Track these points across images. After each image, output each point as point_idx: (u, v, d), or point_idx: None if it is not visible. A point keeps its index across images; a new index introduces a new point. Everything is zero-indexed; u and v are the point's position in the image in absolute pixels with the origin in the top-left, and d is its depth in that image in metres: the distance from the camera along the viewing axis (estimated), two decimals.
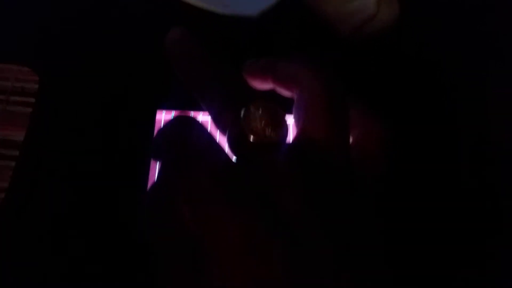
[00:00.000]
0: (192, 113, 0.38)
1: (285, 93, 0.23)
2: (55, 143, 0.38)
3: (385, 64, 0.42)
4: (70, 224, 0.35)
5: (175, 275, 0.18)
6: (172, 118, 0.22)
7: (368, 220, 0.20)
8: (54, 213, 0.36)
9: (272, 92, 0.24)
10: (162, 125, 0.21)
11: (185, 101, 0.38)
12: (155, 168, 0.36)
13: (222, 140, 0.21)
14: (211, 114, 0.22)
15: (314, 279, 0.17)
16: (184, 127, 0.21)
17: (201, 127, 0.21)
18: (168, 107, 0.37)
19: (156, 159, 0.23)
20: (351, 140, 0.22)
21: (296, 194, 0.19)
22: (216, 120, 0.22)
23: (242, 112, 0.21)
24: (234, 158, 0.21)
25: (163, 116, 0.38)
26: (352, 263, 0.18)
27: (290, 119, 0.21)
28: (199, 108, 0.37)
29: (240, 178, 0.19)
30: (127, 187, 0.35)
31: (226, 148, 0.21)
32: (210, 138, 0.21)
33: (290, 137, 0.22)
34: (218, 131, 0.22)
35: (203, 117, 0.37)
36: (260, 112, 0.21)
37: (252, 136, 0.20)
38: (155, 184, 0.20)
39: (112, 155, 0.37)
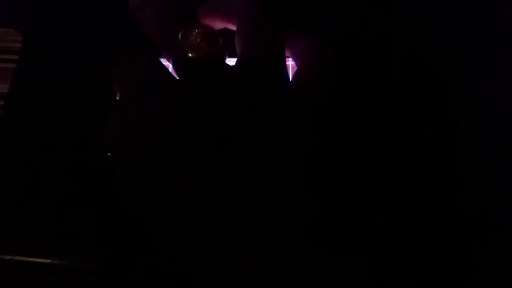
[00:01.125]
0: None
1: (229, 26, 0.26)
2: (38, 94, 0.41)
3: None
4: (54, 180, 0.37)
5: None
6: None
7: (300, 136, 0.21)
8: (36, 159, 0.38)
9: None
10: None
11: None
12: None
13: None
14: (160, 47, 0.26)
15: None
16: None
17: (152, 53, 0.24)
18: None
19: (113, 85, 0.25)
20: (296, 67, 0.24)
21: (229, 96, 0.20)
22: (164, 50, 0.25)
23: (181, 33, 0.24)
24: None
25: None
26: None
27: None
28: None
29: (177, 82, 0.22)
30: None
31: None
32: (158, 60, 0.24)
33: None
34: (164, 55, 0.25)
35: None
36: (196, 31, 0.23)
37: (190, 53, 0.23)
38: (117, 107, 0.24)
39: (96, 108, 0.40)
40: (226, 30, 0.27)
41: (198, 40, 0.23)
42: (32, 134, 0.39)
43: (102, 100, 0.38)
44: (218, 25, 0.26)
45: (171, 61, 0.25)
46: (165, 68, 0.23)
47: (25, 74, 0.42)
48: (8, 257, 0.33)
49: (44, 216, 0.35)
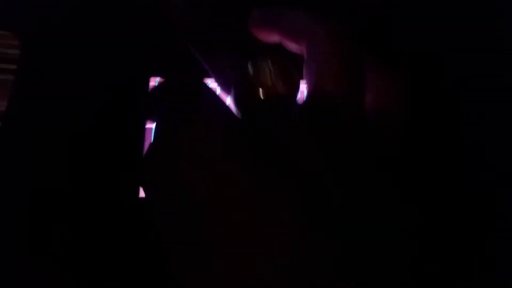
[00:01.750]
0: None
1: (293, 47, 0.22)
2: (40, 113, 0.35)
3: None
4: (60, 200, 0.33)
5: (178, 242, 0.16)
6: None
7: (384, 180, 0.18)
8: (42, 188, 0.33)
9: (278, 47, 0.22)
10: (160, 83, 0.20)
11: (180, 68, 0.35)
12: (151, 135, 0.34)
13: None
14: (213, 70, 0.21)
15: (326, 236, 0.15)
16: (186, 82, 0.19)
17: (204, 84, 0.19)
18: (162, 74, 0.35)
19: (150, 117, 0.21)
20: (367, 97, 0.21)
21: (309, 146, 0.17)
22: (219, 77, 0.21)
23: (250, 66, 0.20)
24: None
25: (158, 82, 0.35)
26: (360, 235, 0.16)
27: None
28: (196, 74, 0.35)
29: (249, 132, 0.17)
30: (123, 154, 0.33)
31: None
32: (214, 93, 0.19)
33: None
34: (221, 88, 0.21)
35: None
36: (270, 65, 0.20)
37: (262, 92, 0.19)
38: (153, 142, 0.18)
39: (103, 123, 0.34)
40: None
41: (273, 77, 0.20)
42: (35, 163, 0.34)
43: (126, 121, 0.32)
44: (272, 39, 0.23)
45: (231, 94, 0.21)
46: (226, 106, 0.19)
47: (25, 88, 0.36)
48: None
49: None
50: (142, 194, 0.32)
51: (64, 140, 0.34)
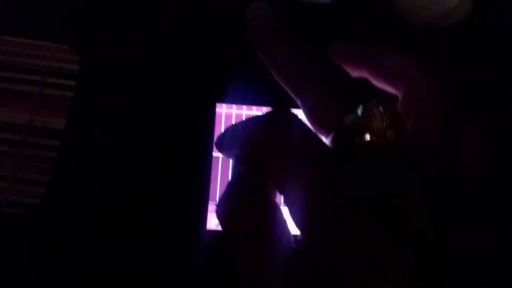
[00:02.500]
0: (254, 108, 0.35)
1: (384, 86, 0.21)
2: (99, 132, 0.34)
3: (459, 65, 0.39)
4: (114, 226, 0.32)
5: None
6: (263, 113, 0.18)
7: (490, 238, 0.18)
8: (98, 211, 0.32)
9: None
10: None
11: (246, 95, 0.34)
12: (218, 166, 0.33)
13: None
14: (306, 109, 0.19)
15: None
16: (277, 119, 0.18)
17: (299, 120, 0.18)
18: (229, 101, 0.34)
19: (226, 154, 0.19)
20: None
21: (420, 208, 0.16)
22: (314, 116, 0.19)
23: (360, 109, 0.18)
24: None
25: (224, 110, 0.34)
26: None
27: None
28: (261, 103, 0.34)
29: (356, 178, 0.16)
30: (186, 189, 0.32)
31: None
32: (312, 132, 0.18)
33: None
34: (315, 129, 0.19)
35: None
36: (380, 110, 0.18)
37: (369, 136, 0.18)
38: (232, 186, 0.17)
39: (166, 149, 0.33)
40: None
41: (385, 123, 0.18)
42: (94, 188, 0.33)
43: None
44: (355, 74, 0.21)
45: (330, 139, 0.19)
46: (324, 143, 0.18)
47: (84, 105, 0.35)
48: None
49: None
50: (209, 226, 0.32)
51: (124, 164, 0.33)
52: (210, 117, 0.33)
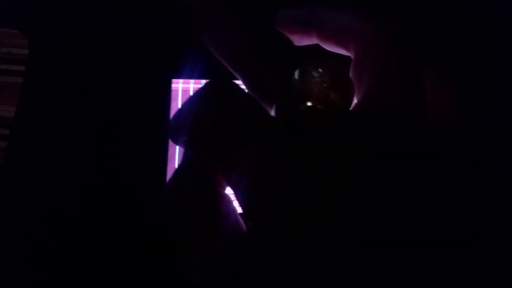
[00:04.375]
0: None
1: (336, 49, 0.20)
2: (52, 119, 0.32)
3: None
4: (73, 217, 0.30)
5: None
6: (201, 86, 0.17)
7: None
8: (52, 202, 0.30)
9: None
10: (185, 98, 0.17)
11: (205, 70, 0.32)
12: (175, 147, 0.30)
13: None
14: (247, 81, 0.18)
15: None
16: (217, 86, 0.17)
17: (238, 90, 0.17)
18: (186, 76, 0.32)
19: (176, 141, 0.18)
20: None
21: (370, 169, 0.16)
22: (256, 88, 0.18)
23: (297, 74, 0.17)
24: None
25: (180, 87, 0.32)
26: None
27: None
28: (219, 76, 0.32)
29: (295, 145, 0.16)
30: (143, 170, 0.30)
31: None
32: (253, 98, 0.17)
33: None
34: (259, 100, 0.18)
35: None
36: (320, 72, 0.17)
37: (311, 102, 0.17)
38: (176, 177, 0.17)
39: (121, 133, 0.31)
40: None
41: (325, 86, 0.17)
42: (44, 175, 0.30)
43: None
44: (305, 41, 0.20)
45: (273, 110, 0.18)
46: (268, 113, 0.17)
47: (34, 91, 0.33)
48: None
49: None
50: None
51: (78, 152, 0.31)
52: (167, 94, 0.31)
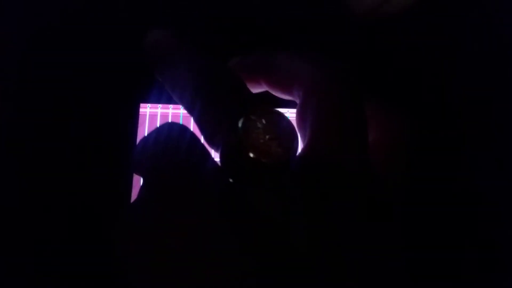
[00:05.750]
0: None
1: (284, 95, 0.19)
2: (19, 134, 0.32)
3: (399, 52, 0.37)
4: (34, 232, 0.30)
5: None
6: (157, 126, 0.18)
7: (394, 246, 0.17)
8: (16, 217, 0.30)
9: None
10: (146, 132, 0.17)
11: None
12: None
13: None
14: (200, 127, 0.18)
15: None
16: (171, 140, 0.17)
17: (193, 138, 0.17)
18: (153, 101, 0.32)
19: (138, 174, 0.19)
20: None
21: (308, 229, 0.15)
22: (206, 134, 0.18)
23: (240, 123, 0.17)
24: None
25: (148, 111, 0.32)
26: None
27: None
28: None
29: (244, 208, 0.16)
30: (106, 194, 0.30)
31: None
32: (205, 154, 0.17)
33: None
34: (206, 142, 0.18)
35: None
36: (263, 122, 0.17)
37: (252, 153, 0.16)
38: (135, 206, 0.17)
39: (88, 152, 0.31)
40: None
41: (267, 137, 0.17)
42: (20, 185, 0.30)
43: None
44: (258, 89, 0.20)
45: (219, 154, 0.18)
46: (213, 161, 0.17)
47: (4, 99, 0.33)
48: None
49: None
50: None
51: (45, 169, 0.31)
52: (134, 118, 0.31)
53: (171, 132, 0.17)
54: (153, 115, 0.32)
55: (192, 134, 0.17)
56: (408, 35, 0.36)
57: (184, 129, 0.18)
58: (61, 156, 0.31)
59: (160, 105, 0.32)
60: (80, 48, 0.33)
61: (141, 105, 0.32)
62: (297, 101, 0.18)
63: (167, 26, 0.20)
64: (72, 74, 0.32)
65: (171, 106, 0.32)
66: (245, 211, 0.15)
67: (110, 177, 0.30)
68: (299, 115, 0.18)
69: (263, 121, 0.17)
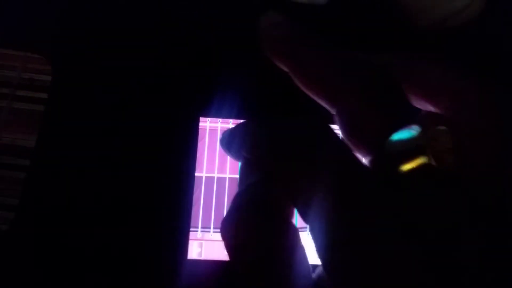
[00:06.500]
0: None
1: (423, 104, 0.18)
2: (73, 150, 0.31)
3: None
4: (89, 252, 0.29)
5: None
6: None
7: None
8: (71, 236, 0.30)
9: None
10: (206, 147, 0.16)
11: (231, 109, 0.31)
12: (201, 187, 0.30)
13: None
14: (344, 123, 0.16)
15: None
16: (305, 125, 0.15)
17: (335, 133, 0.15)
18: (213, 115, 0.31)
19: (233, 155, 0.17)
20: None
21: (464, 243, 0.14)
22: (354, 132, 0.16)
23: (412, 130, 0.15)
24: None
25: (208, 125, 0.31)
26: None
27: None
28: (246, 117, 0.31)
29: (397, 211, 0.14)
30: (166, 213, 0.29)
31: None
32: (349, 149, 0.15)
33: None
34: (352, 146, 0.16)
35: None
36: (432, 133, 0.17)
37: (417, 163, 0.16)
38: (241, 200, 0.15)
39: (147, 169, 0.30)
40: None
41: (447, 147, 0.18)
42: (68, 211, 0.30)
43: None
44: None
45: (371, 155, 0.16)
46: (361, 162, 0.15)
47: (56, 120, 0.32)
48: None
49: None
50: (191, 255, 0.28)
51: (100, 186, 0.30)
52: (194, 133, 0.30)
53: (309, 126, 0.15)
54: (213, 129, 0.31)
55: (335, 133, 0.15)
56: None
57: (326, 125, 0.15)
58: (119, 165, 0.30)
59: (220, 120, 0.31)
60: (142, 61, 0.32)
61: (201, 119, 0.31)
62: (440, 111, 0.17)
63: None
64: (131, 89, 0.31)
65: (231, 120, 0.31)
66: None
67: (171, 194, 0.29)
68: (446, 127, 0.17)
69: (431, 131, 0.16)
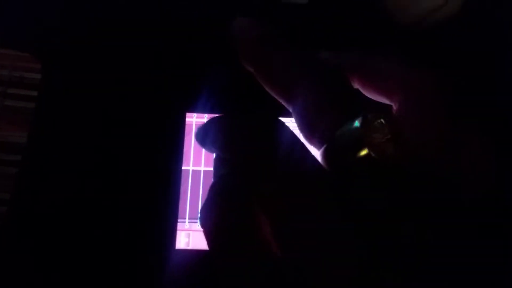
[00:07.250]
0: None
1: (377, 96, 0.19)
2: (64, 146, 0.32)
3: (445, 61, 0.36)
4: (80, 245, 0.30)
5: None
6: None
7: None
8: (62, 229, 0.30)
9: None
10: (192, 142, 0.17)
11: (218, 104, 0.32)
12: (188, 180, 0.31)
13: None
14: (298, 116, 0.17)
15: None
16: (260, 119, 0.16)
17: (288, 129, 0.16)
18: (200, 110, 0.32)
19: (208, 150, 0.17)
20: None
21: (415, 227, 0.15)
22: (306, 125, 0.17)
23: (359, 120, 0.16)
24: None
25: (194, 120, 0.32)
26: None
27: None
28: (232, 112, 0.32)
29: (350, 199, 0.15)
30: (153, 205, 0.30)
31: None
32: (298, 138, 0.16)
33: None
34: (306, 139, 0.17)
35: None
36: (382, 121, 0.16)
37: (368, 151, 0.16)
38: (214, 192, 0.16)
39: (135, 163, 0.31)
40: None
41: (387, 137, 0.16)
42: (59, 204, 0.31)
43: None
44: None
45: (323, 148, 0.17)
46: (312, 155, 0.16)
47: (47, 117, 0.33)
48: None
49: None
50: (179, 245, 0.30)
51: (90, 180, 0.31)
52: (180, 128, 0.31)
53: (265, 122, 0.16)
54: (200, 124, 0.32)
55: (289, 129, 0.16)
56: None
57: (279, 121, 0.16)
58: (109, 165, 0.31)
59: (206, 115, 0.32)
60: (129, 58, 0.33)
61: (187, 114, 0.32)
62: (393, 105, 0.18)
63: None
64: (120, 85, 0.32)
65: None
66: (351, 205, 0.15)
67: (159, 187, 0.30)
68: (397, 118, 0.18)
69: (382, 120, 0.16)
